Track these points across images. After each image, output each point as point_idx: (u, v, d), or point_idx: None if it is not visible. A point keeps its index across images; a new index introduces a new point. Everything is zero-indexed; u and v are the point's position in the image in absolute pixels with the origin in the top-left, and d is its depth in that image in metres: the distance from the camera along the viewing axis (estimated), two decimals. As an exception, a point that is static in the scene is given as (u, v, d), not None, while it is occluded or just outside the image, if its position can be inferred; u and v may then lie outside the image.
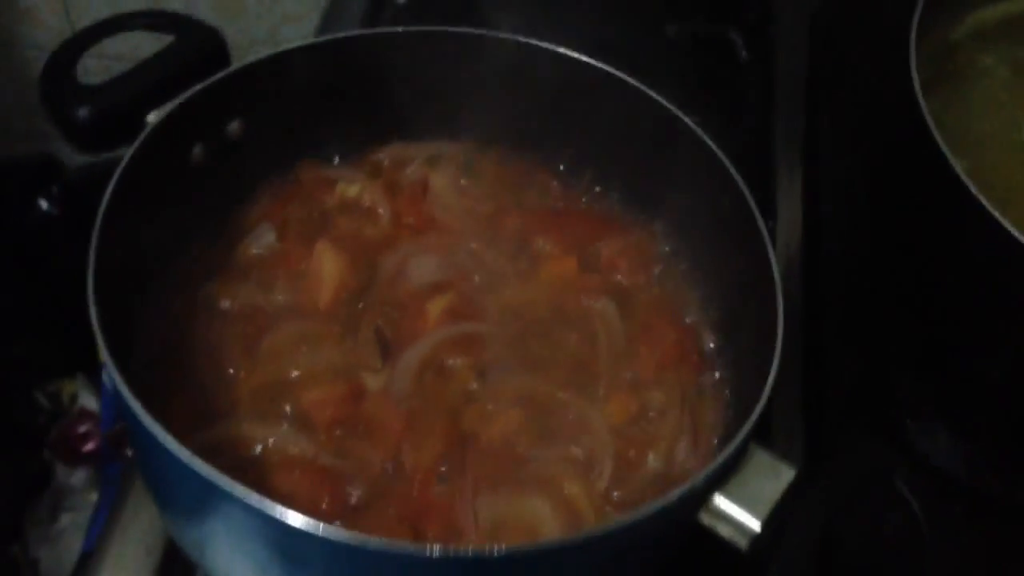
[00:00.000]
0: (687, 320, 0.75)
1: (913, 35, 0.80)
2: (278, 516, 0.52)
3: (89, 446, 1.29)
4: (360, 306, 0.73)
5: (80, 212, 1.38)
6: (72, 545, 1.23)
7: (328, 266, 0.74)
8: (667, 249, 0.78)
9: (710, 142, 0.71)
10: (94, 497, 1.26)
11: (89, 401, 1.32)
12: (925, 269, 0.81)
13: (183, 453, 0.53)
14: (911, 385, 0.83)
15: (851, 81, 1.00)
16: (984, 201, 0.70)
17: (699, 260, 0.76)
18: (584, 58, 0.75)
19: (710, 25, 1.05)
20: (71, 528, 1.26)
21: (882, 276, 0.87)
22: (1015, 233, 0.68)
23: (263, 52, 0.73)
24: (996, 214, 0.69)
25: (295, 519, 0.52)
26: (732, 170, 0.69)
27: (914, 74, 0.76)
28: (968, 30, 0.94)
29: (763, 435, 0.75)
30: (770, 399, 0.61)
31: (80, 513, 1.26)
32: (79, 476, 1.29)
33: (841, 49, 1.03)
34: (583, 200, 0.81)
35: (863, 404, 0.83)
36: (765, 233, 0.67)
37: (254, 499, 0.52)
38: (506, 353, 0.72)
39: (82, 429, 1.30)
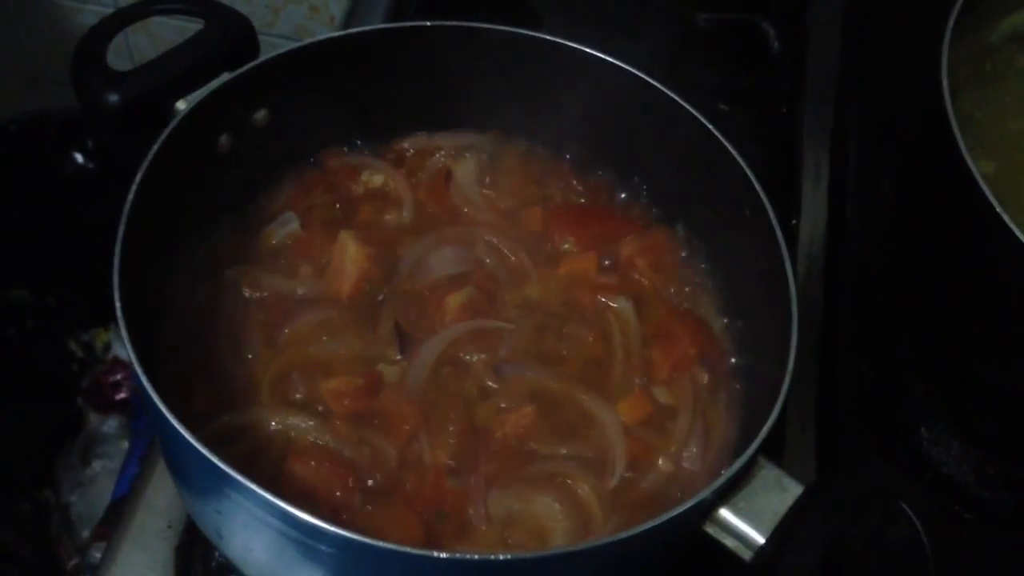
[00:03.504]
0: (704, 325, 0.75)
1: (947, 39, 0.79)
2: (288, 511, 0.53)
3: (121, 395, 1.32)
4: (380, 297, 0.74)
5: (114, 165, 1.40)
6: (103, 491, 1.26)
7: (350, 256, 0.75)
8: (687, 252, 0.79)
9: (733, 150, 0.71)
10: (125, 445, 1.29)
11: (122, 351, 1.34)
12: (943, 276, 0.81)
13: (198, 446, 0.55)
14: (925, 394, 0.83)
15: (881, 78, 0.99)
16: (1002, 211, 0.70)
17: (719, 266, 0.77)
18: (610, 59, 0.75)
19: (742, 14, 1.04)
20: (103, 474, 1.29)
21: (900, 282, 0.87)
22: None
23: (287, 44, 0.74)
24: (1013, 226, 0.69)
25: (303, 516, 0.53)
26: (754, 181, 0.69)
27: (944, 78, 0.76)
28: (1005, 32, 0.92)
29: (774, 446, 0.76)
30: (782, 412, 0.62)
31: (112, 460, 1.29)
32: (111, 424, 1.32)
33: (873, 44, 1.02)
34: (605, 198, 0.81)
35: (877, 413, 0.83)
36: (784, 249, 0.68)
37: (264, 495, 0.54)
38: (522, 349, 0.73)
39: (115, 378, 1.33)
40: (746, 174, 0.70)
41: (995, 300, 0.75)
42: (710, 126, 0.72)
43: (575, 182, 0.82)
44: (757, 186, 0.69)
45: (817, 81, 1.04)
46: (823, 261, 0.92)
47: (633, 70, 0.75)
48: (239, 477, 0.54)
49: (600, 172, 0.82)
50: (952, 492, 0.80)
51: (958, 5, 0.81)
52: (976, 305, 0.78)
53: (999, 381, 0.79)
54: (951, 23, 0.79)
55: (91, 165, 1.39)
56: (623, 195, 0.81)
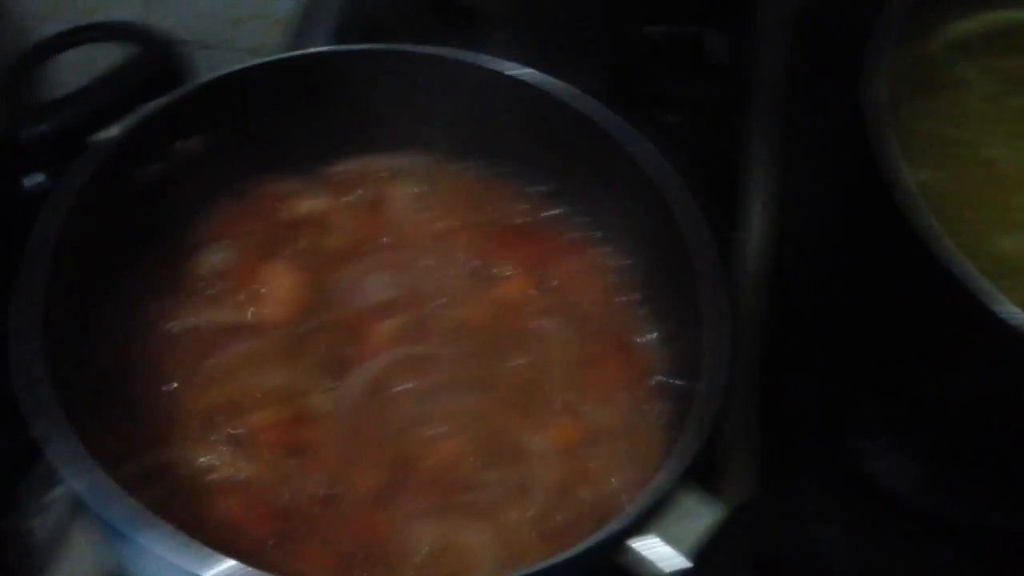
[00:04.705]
0: (638, 346, 0.75)
1: (873, 51, 0.79)
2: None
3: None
4: (311, 325, 0.73)
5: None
6: (66, 516, 1.24)
7: (282, 284, 0.74)
8: (622, 273, 0.78)
9: (655, 174, 0.70)
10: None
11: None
12: (878, 290, 0.80)
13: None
14: (866, 408, 0.83)
15: (827, 89, 0.98)
16: (926, 226, 0.69)
17: (654, 287, 0.76)
18: (537, 81, 0.74)
19: (689, 27, 1.03)
20: (65, 500, 1.27)
21: (843, 295, 0.86)
22: (956, 260, 0.68)
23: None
24: (939, 240, 0.68)
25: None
26: (679, 199, 0.69)
27: (877, 89, 0.75)
28: (948, 41, 0.92)
29: (712, 465, 0.76)
30: (715, 433, 0.61)
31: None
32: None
33: (821, 54, 1.02)
34: (543, 218, 0.81)
35: (820, 428, 0.83)
36: (712, 270, 0.67)
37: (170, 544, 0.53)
38: (454, 375, 0.72)
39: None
40: (679, 198, 0.69)
41: (926, 314, 0.75)
42: (648, 144, 0.72)
43: (513, 202, 0.81)
44: (683, 206, 0.69)
45: (765, 92, 1.03)
46: (768, 276, 0.91)
47: (565, 86, 0.74)
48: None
49: (538, 190, 0.81)
50: (891, 504, 0.80)
51: (895, 16, 0.80)
52: (908, 319, 0.77)
53: (935, 394, 0.79)
54: (877, 34, 0.79)
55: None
56: (561, 214, 0.81)
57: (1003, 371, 0.72)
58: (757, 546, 0.59)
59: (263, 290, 0.74)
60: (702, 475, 0.80)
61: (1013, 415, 0.74)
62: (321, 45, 0.95)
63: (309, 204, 0.79)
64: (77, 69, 0.76)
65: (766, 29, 1.07)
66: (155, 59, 0.75)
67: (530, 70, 0.76)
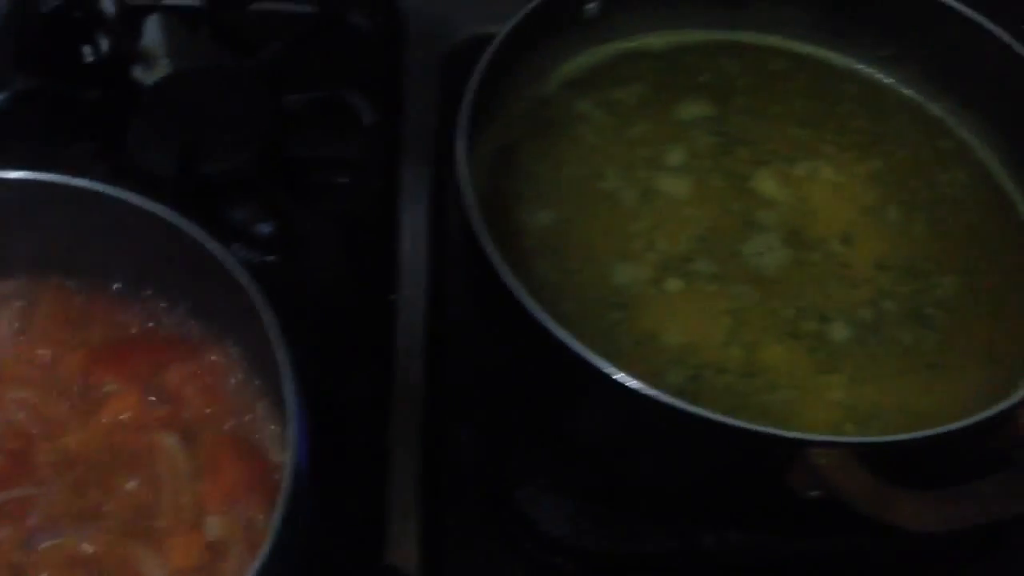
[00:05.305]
0: (258, 450, 0.72)
1: (467, 101, 0.79)
2: None
3: None
4: None
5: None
6: None
7: None
8: (240, 372, 0.75)
9: (232, 269, 0.68)
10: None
11: None
12: (504, 340, 0.81)
13: None
14: (522, 456, 0.83)
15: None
16: (516, 290, 0.70)
17: (268, 382, 0.74)
18: (115, 193, 0.72)
19: (330, 91, 1.02)
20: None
21: (484, 353, 0.87)
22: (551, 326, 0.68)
23: None
24: (536, 310, 0.69)
25: None
26: (258, 294, 0.67)
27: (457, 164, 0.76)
28: (562, 80, 0.93)
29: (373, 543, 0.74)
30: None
31: None
32: None
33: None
34: (151, 325, 0.77)
35: (481, 483, 0.83)
36: (289, 360, 0.65)
37: None
38: (58, 512, 0.68)
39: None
40: (242, 287, 0.67)
41: (536, 368, 0.75)
42: (218, 244, 0.70)
43: (118, 314, 0.78)
44: (262, 300, 0.67)
45: (415, 149, 1.03)
46: (424, 337, 0.91)
47: (141, 198, 0.72)
48: None
49: (137, 296, 0.78)
50: (556, 546, 0.80)
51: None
52: (527, 373, 0.78)
53: (568, 440, 0.80)
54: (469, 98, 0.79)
55: None
56: (173, 320, 0.78)
57: (611, 421, 0.73)
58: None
59: None
60: (367, 542, 0.80)
61: (633, 456, 0.76)
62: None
63: None
64: None
65: (411, 86, 1.07)
66: None
67: (111, 187, 0.73)
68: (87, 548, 0.67)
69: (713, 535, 0.82)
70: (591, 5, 0.90)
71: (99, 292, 0.78)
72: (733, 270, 0.82)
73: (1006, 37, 0.85)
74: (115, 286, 0.78)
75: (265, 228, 0.94)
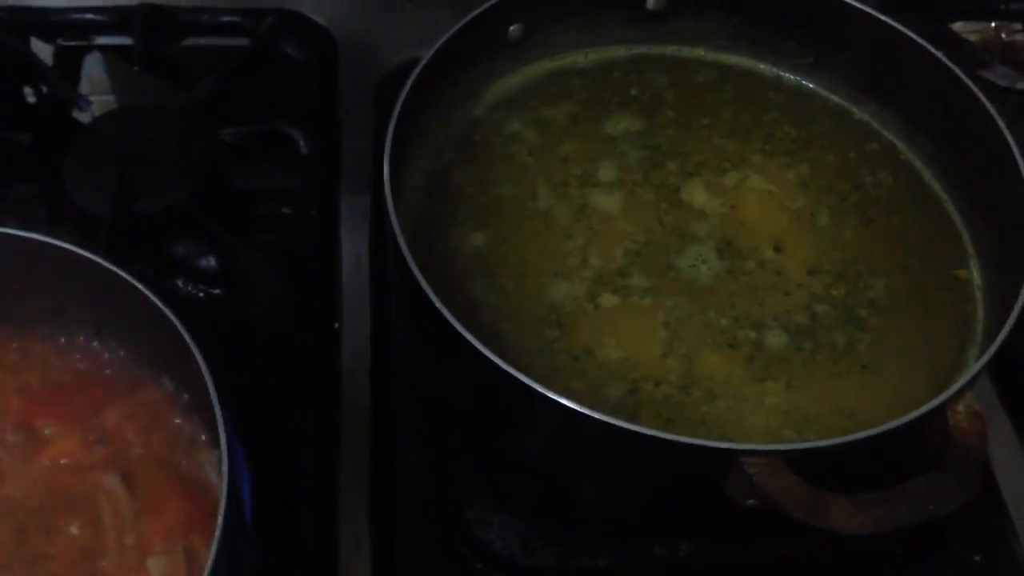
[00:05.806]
0: (200, 485, 0.72)
1: (388, 140, 0.80)
2: None
3: None
4: None
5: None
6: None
7: None
8: (182, 406, 0.76)
9: (153, 309, 0.68)
10: None
11: None
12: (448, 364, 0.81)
13: None
14: (468, 478, 0.84)
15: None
16: (440, 307, 0.70)
17: (208, 415, 0.74)
18: (30, 235, 0.72)
19: (266, 123, 1.02)
20: None
21: (425, 376, 0.87)
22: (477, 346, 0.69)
23: None
24: (454, 322, 0.69)
25: None
26: (181, 336, 0.67)
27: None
28: (493, 101, 0.94)
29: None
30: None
31: None
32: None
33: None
34: (88, 365, 0.78)
35: (432, 508, 0.83)
36: (225, 404, 0.66)
37: None
38: (3, 559, 0.68)
39: None
40: (173, 325, 0.67)
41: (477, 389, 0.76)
42: (139, 285, 0.70)
43: (55, 358, 0.78)
44: (190, 337, 0.67)
45: (352, 176, 1.03)
46: (369, 361, 0.91)
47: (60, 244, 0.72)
48: None
49: (82, 338, 0.78)
50: (505, 566, 0.80)
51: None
52: (467, 389, 0.78)
53: (518, 451, 0.80)
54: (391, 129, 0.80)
55: None
56: (108, 360, 0.78)
57: (551, 439, 0.74)
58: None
59: None
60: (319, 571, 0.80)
61: (576, 472, 0.76)
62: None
63: None
64: None
65: (347, 114, 1.07)
66: None
67: (40, 233, 0.73)
68: (31, 594, 0.67)
69: (664, 546, 0.83)
70: (514, 27, 0.91)
71: (34, 336, 0.78)
72: (668, 283, 0.83)
73: (920, 40, 0.87)
74: (51, 330, 0.78)
75: (207, 262, 0.94)
